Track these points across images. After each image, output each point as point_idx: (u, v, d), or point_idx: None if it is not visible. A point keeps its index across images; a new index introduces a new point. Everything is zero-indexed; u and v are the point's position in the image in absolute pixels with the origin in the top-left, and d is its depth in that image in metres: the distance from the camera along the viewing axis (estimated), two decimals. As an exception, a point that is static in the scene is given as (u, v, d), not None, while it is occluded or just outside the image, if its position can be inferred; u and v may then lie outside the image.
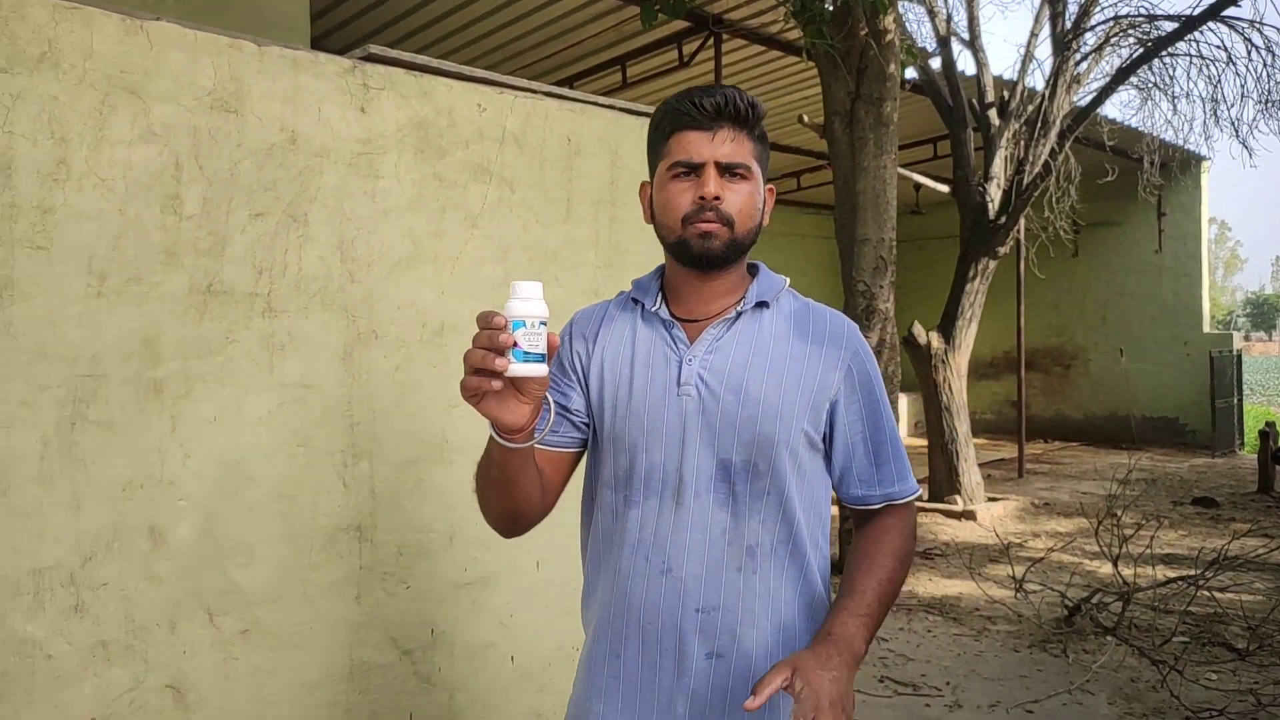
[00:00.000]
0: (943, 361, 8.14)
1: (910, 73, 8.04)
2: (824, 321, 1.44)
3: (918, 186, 9.51)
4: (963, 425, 8.20)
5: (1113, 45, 8.19)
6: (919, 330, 8.17)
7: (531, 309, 1.17)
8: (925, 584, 6.11)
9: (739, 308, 1.43)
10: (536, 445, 1.41)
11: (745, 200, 1.38)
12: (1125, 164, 10.58)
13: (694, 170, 1.37)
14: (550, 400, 1.43)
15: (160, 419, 1.92)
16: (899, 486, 1.45)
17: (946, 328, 8.24)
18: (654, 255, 2.91)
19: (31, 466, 1.75)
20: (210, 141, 1.97)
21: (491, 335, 1.15)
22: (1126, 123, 9.90)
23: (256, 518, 2.06)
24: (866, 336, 6.14)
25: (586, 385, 1.50)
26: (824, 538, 1.49)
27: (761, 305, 1.44)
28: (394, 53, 2.33)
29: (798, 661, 1.21)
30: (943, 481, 8.28)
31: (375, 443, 2.26)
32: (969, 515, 7.99)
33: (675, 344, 1.43)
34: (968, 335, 8.28)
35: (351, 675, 2.22)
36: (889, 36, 5.68)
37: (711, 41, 7.17)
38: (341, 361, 2.20)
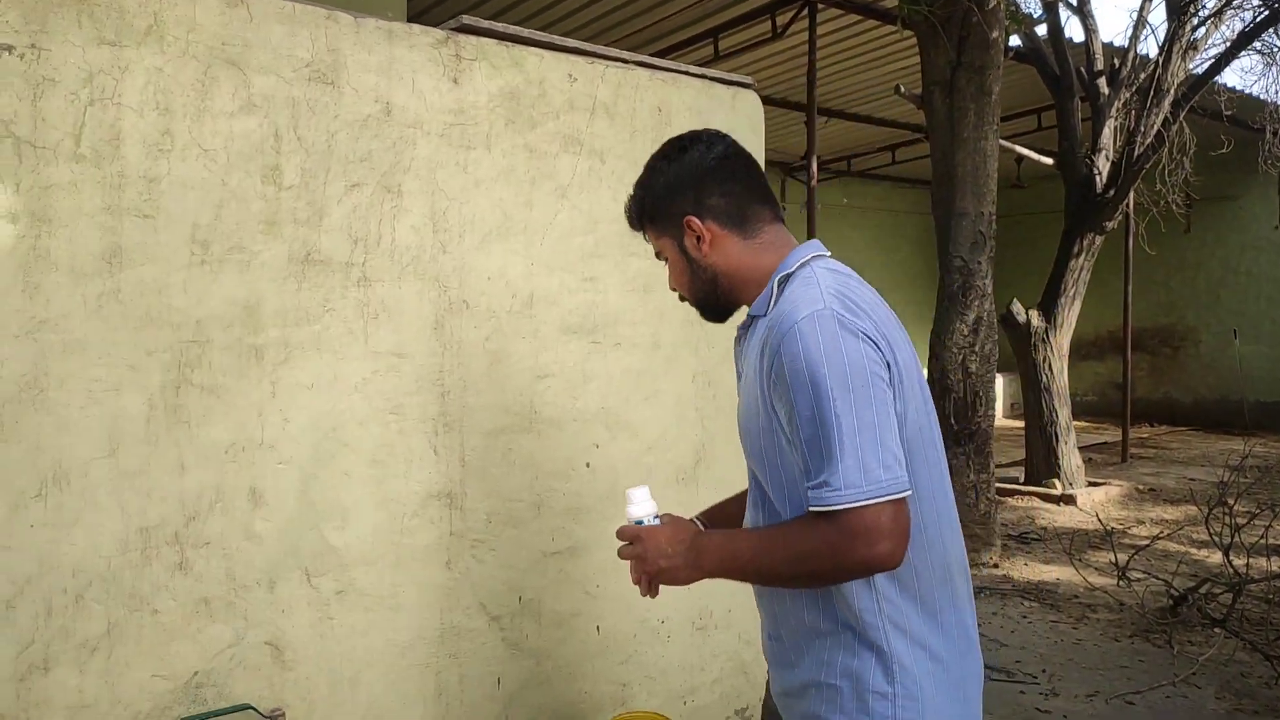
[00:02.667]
0: (1043, 340, 7.86)
1: (1014, 40, 7.73)
2: (771, 329, 1.38)
3: (1020, 159, 9.17)
4: (1063, 407, 7.91)
5: (1234, 8, 7.71)
6: (1018, 308, 7.90)
7: (643, 510, 1.48)
8: (1021, 569, 5.94)
9: (742, 326, 1.54)
10: None
11: (674, 278, 1.57)
12: (1244, 135, 9.99)
13: None
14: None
15: (260, 384, 1.97)
16: (810, 493, 1.29)
17: (1048, 305, 7.94)
18: (744, 227, 2.87)
19: (139, 428, 1.82)
20: (308, 113, 2.01)
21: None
22: (1247, 91, 9.35)
23: (351, 483, 2.10)
24: (963, 314, 5.96)
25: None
26: None
27: (754, 318, 1.49)
28: (486, 23, 2.33)
29: (669, 522, 1.48)
30: (1040, 465, 8.02)
31: (465, 412, 2.29)
32: (1068, 500, 7.73)
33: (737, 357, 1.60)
34: (1070, 313, 7.97)
35: (442, 638, 2.26)
36: (993, 2, 5.46)
37: (806, 11, 7.02)
38: (433, 331, 2.22)
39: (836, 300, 1.33)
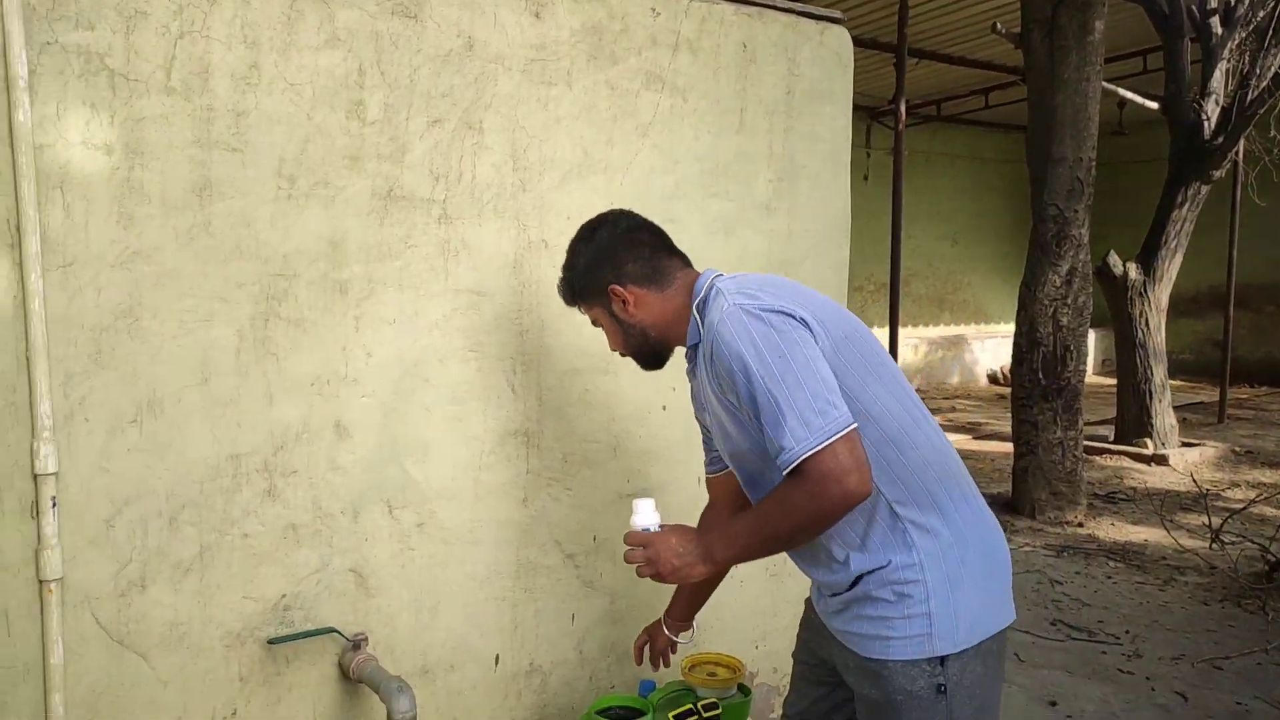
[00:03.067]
0: (1140, 294, 7.54)
1: (1121, -24, 7.31)
2: (708, 344, 1.59)
3: (1122, 104, 8.72)
4: (1159, 364, 7.61)
5: (1369, -63, 7.14)
6: (1115, 260, 7.58)
7: (649, 519, 1.64)
8: (1107, 529, 5.78)
9: (690, 365, 1.76)
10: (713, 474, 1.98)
11: (610, 340, 1.81)
12: (1373, 77, 9.32)
13: None
14: None
15: (345, 319, 2.00)
16: (777, 461, 1.46)
17: (1147, 258, 7.60)
18: (829, 171, 2.79)
19: (229, 358, 1.87)
20: (391, 47, 2.00)
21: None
22: (1378, 29, 8.68)
23: (432, 418, 2.13)
24: (1055, 265, 5.74)
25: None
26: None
27: (694, 347, 1.69)
28: (569, -45, 2.29)
29: (674, 527, 1.61)
30: (1132, 423, 7.75)
31: (543, 351, 2.29)
32: (1160, 460, 7.47)
33: (693, 368, 1.78)
34: (1170, 267, 7.61)
35: (518, 573, 2.30)
36: (1100, -66, 5.16)
37: (898, -54, 6.74)
38: (512, 269, 2.22)
39: (737, 296, 1.56)
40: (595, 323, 1.81)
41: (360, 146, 1.98)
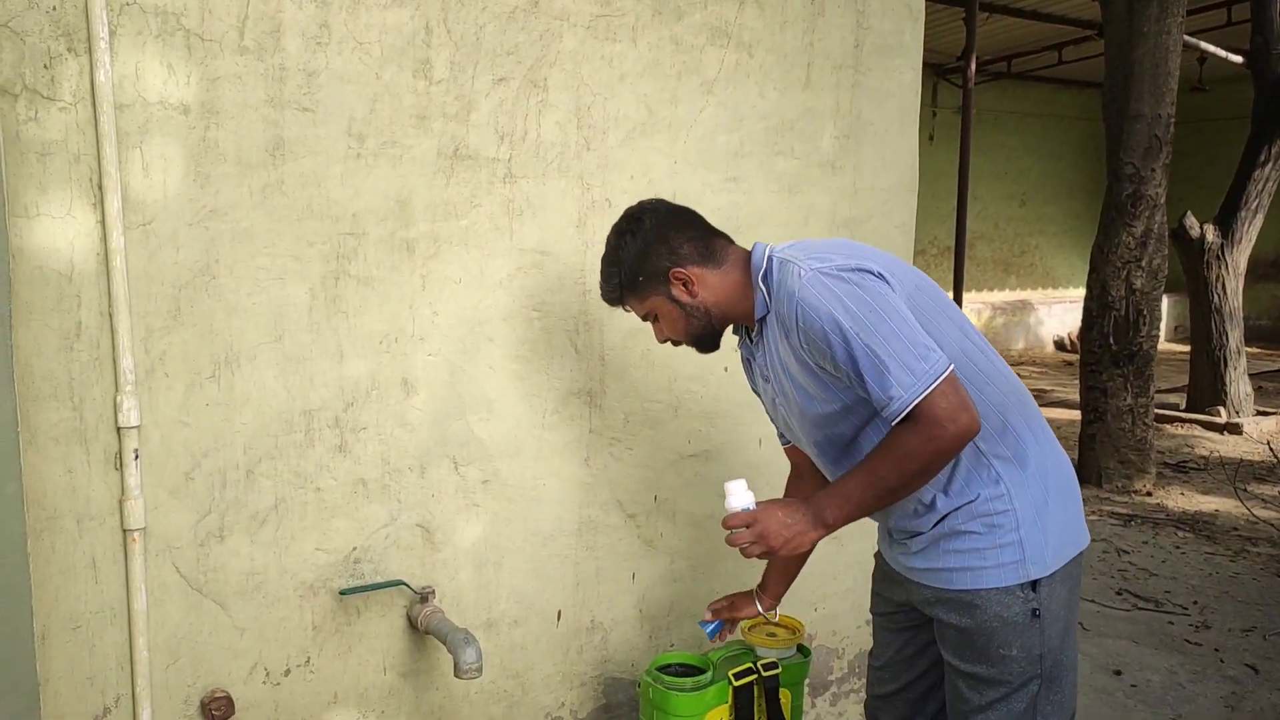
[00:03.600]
0: (1217, 258, 7.28)
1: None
2: (781, 312, 1.63)
3: (1203, 58, 8.38)
4: (1235, 329, 7.37)
5: None
6: (1192, 222, 7.32)
7: (744, 499, 1.67)
8: (1176, 498, 5.65)
9: (753, 335, 1.78)
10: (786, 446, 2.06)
11: (669, 329, 1.79)
12: None
13: None
14: None
15: (412, 277, 2.02)
16: (884, 413, 1.52)
17: (1225, 219, 7.33)
18: (896, 128, 2.73)
19: (302, 316, 1.91)
20: (457, 5, 2.00)
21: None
22: None
23: (497, 376, 2.16)
24: (1129, 226, 5.57)
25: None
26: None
27: (761, 320, 1.71)
28: (634, -91, 2.25)
29: (773, 502, 1.65)
30: (1205, 390, 7.54)
31: (605, 311, 2.29)
32: (1233, 429, 7.26)
33: (750, 342, 1.83)
34: (1251, 229, 7.33)
35: (580, 531, 2.33)
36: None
37: (971, -104, 6.52)
38: (576, 229, 2.22)
39: (810, 261, 1.59)
40: (648, 317, 1.80)
41: (427, 105, 1.99)
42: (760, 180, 2.47)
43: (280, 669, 1.98)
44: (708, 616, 2.13)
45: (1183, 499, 5.63)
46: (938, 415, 1.47)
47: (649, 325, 2.34)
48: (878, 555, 1.95)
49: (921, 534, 1.69)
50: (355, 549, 2.03)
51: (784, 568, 2.09)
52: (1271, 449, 6.29)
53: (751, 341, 1.81)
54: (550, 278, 2.21)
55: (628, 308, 1.82)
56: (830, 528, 1.59)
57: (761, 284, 1.68)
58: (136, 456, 1.76)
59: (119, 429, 1.74)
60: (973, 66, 6.50)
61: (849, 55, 2.56)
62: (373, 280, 1.97)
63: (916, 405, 1.48)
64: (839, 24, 2.53)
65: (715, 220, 2.39)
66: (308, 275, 1.90)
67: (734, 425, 2.54)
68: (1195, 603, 4.04)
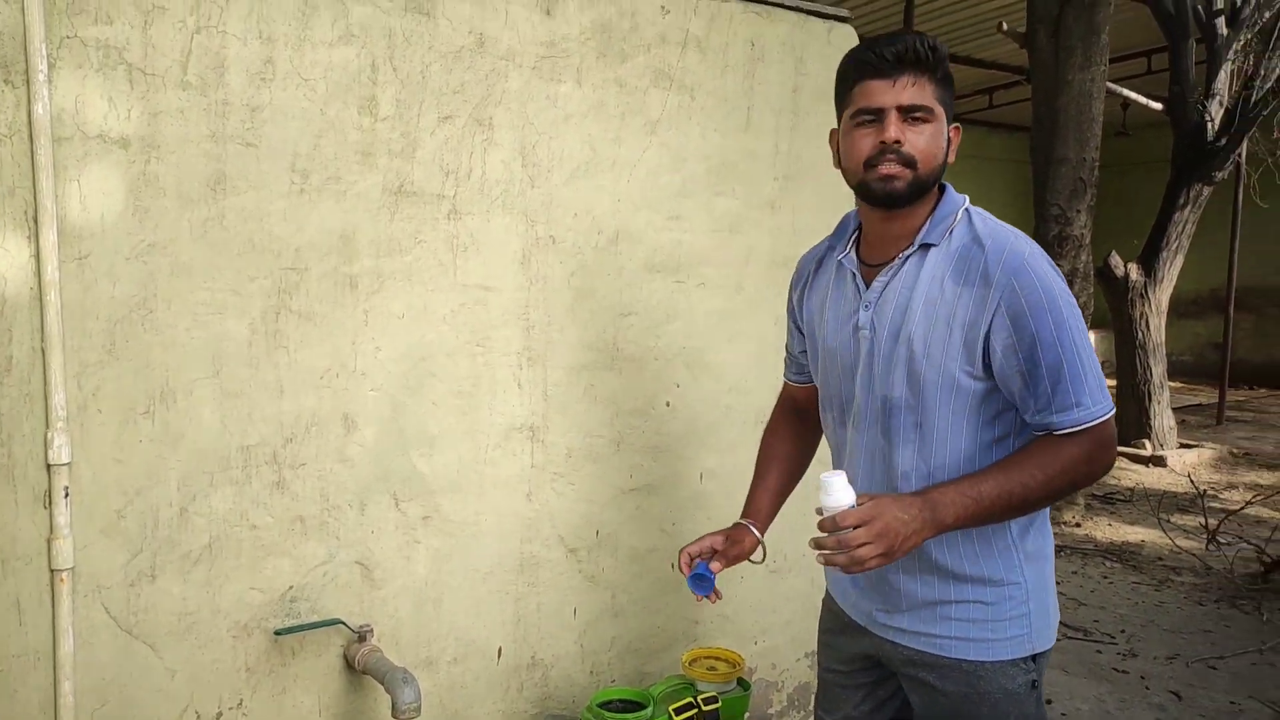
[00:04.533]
0: (1141, 295, 7.56)
1: (1127, -23, 7.32)
2: (980, 261, 1.45)
3: (1126, 104, 8.73)
4: (1159, 364, 7.64)
5: (1375, -58, 7.15)
6: (1116, 261, 7.60)
7: (847, 497, 1.38)
8: (1104, 529, 5.81)
9: (906, 252, 1.53)
10: (796, 383, 1.91)
11: (928, 141, 1.47)
12: (1376, 81, 9.32)
13: (877, 116, 1.47)
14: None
15: (355, 313, 2.02)
16: (1058, 417, 1.43)
17: (1148, 259, 7.62)
18: (834, 171, 2.80)
19: (241, 351, 1.89)
20: (404, 44, 2.02)
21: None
22: (1383, 33, 8.68)
23: (439, 411, 2.15)
24: (1058, 264, 5.76)
25: (802, 329, 1.79)
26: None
27: (926, 247, 1.52)
28: (580, -47, 2.30)
29: (880, 495, 1.41)
30: (1131, 424, 7.78)
31: (549, 347, 2.31)
32: (1158, 461, 7.50)
33: (858, 290, 1.60)
34: (1172, 268, 7.64)
35: (521, 567, 2.32)
36: (1107, -65, 5.17)
37: (905, -55, 6.75)
38: (520, 265, 2.24)
39: (1031, 241, 1.47)
40: (916, 114, 1.45)
41: (372, 142, 2.00)
42: (702, 219, 2.52)
43: (212, 712, 1.94)
44: (689, 568, 1.75)
45: (1110, 530, 5.79)
46: (1109, 438, 1.43)
47: (594, 359, 2.38)
48: (829, 601, 1.81)
49: (914, 593, 1.57)
50: (291, 588, 2.00)
51: (780, 486, 1.87)
52: (1192, 481, 6.50)
53: (862, 260, 1.61)
54: (494, 313, 2.22)
55: (917, 83, 1.45)
56: (944, 529, 1.41)
57: (964, 214, 1.51)
58: (66, 494, 1.72)
59: (49, 466, 1.71)
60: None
61: (788, 100, 2.63)
62: (315, 315, 1.96)
63: (1101, 422, 1.42)
64: (778, 70, 2.60)
65: (658, 258, 2.45)
66: (248, 310, 1.89)
67: (676, 460, 2.56)
68: (1122, 631, 4.15)
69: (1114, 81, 7.63)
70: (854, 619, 1.70)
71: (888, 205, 1.50)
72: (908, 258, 1.53)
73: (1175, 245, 7.58)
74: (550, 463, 2.35)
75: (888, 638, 1.63)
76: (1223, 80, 7.47)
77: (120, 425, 1.78)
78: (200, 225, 1.82)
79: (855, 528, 1.34)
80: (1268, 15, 7.31)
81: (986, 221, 1.51)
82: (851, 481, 1.41)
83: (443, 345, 2.14)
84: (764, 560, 1.83)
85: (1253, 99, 7.09)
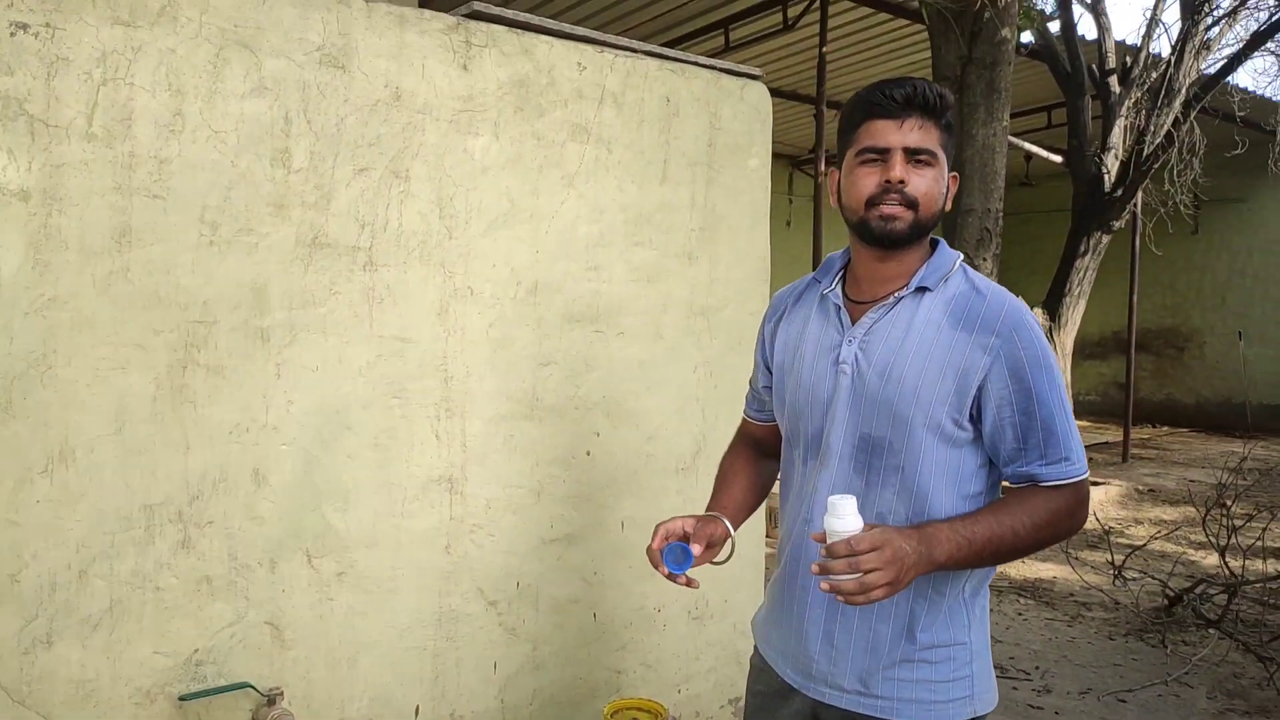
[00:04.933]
0: (1047, 339, 7.85)
1: (1026, 37, 7.70)
2: (981, 310, 1.47)
3: (1029, 156, 9.15)
4: (1065, 406, 7.91)
5: (1249, 9, 7.68)
6: (1023, 306, 7.89)
7: (855, 523, 1.32)
8: (1017, 566, 5.96)
9: (899, 293, 1.52)
10: (755, 421, 1.83)
11: (930, 185, 1.47)
12: (1256, 136, 9.95)
13: (881, 156, 1.47)
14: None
15: (266, 366, 1.98)
16: (1045, 469, 1.45)
17: (1053, 304, 7.94)
18: (748, 222, 2.88)
19: (145, 406, 1.84)
20: (318, 96, 2.01)
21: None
22: (1259, 92, 9.31)
23: (354, 465, 2.12)
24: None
25: (770, 363, 1.73)
26: None
27: (922, 290, 1.51)
28: (497, 10, 2.34)
29: (883, 525, 1.39)
30: (1041, 463, 8.02)
31: (468, 398, 2.30)
32: (1067, 498, 7.73)
33: (841, 326, 1.57)
34: (1075, 313, 7.96)
35: (440, 622, 2.28)
36: (1005, 0, 5.45)
37: (817, 4, 6.99)
38: (437, 317, 2.24)
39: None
40: (920, 157, 1.47)
41: (285, 194, 1.98)
42: (620, 269, 2.55)
43: (111, 784, 1.85)
44: (662, 545, 1.61)
45: (1023, 566, 5.94)
46: (1088, 496, 1.47)
47: (514, 409, 2.37)
48: (759, 660, 1.73)
49: (861, 650, 1.52)
50: (197, 650, 1.94)
51: (743, 500, 1.77)
52: (1098, 519, 6.73)
53: (848, 299, 1.59)
54: (411, 365, 2.21)
55: (924, 127, 1.46)
56: (935, 567, 1.38)
57: (960, 266, 1.53)
58: (-46, 559, 1.64)
59: (-65, 530, 1.63)
60: (823, 160, 6.90)
61: (703, 153, 2.70)
62: (224, 369, 1.93)
63: (1082, 479, 1.45)
64: (693, 124, 2.66)
65: (577, 308, 2.47)
66: (153, 364, 1.84)
67: (597, 509, 2.56)
68: (1037, 667, 4.24)
69: (1016, 135, 8.01)
70: (788, 679, 1.62)
71: (885, 245, 1.49)
72: (901, 298, 1.51)
73: (1077, 291, 7.91)
74: (469, 514, 2.33)
75: (825, 700, 1.55)
76: (1117, 135, 7.88)
77: (16, 485, 1.71)
78: (104, 278, 1.78)
79: (869, 553, 1.29)
80: (1155, 75, 7.77)
81: (981, 277, 1.54)
82: (815, 515, 1.45)
83: (358, 397, 2.12)
84: (728, 559, 1.69)
85: (1145, 153, 7.49)
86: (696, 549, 1.60)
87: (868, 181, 1.48)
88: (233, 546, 1.96)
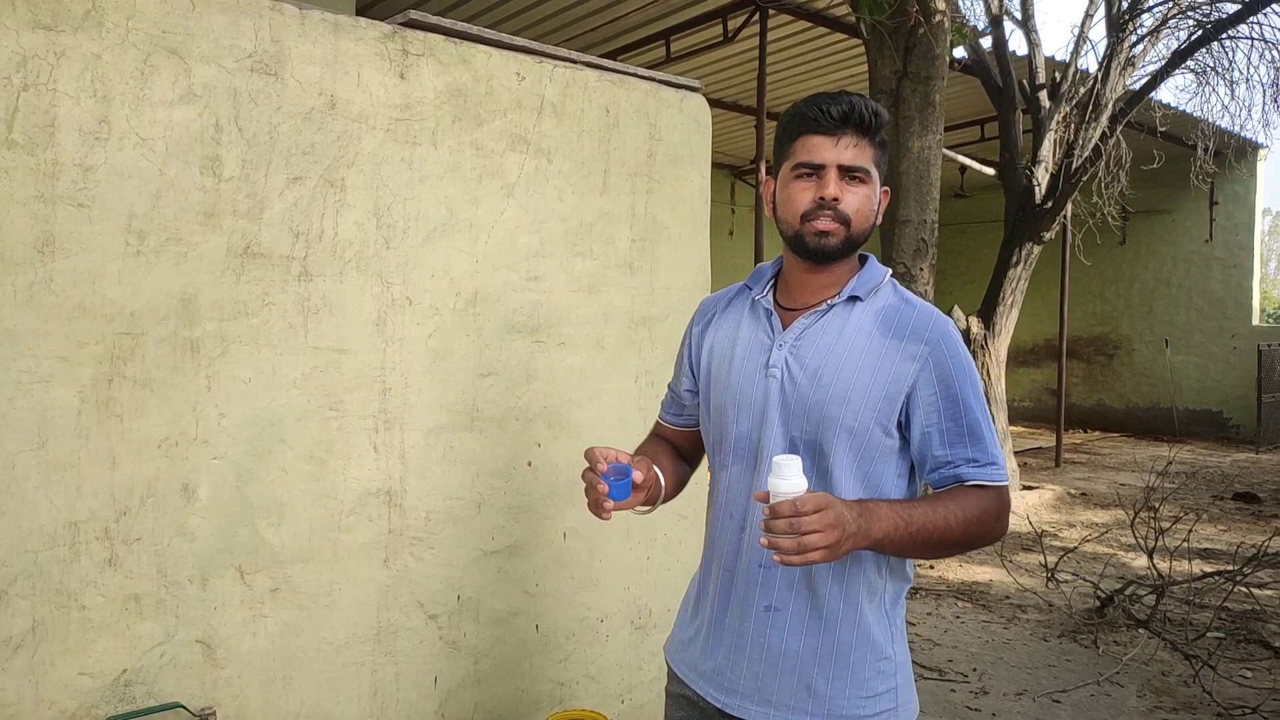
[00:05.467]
0: (982, 347, 8.03)
1: (960, 52, 7.89)
2: (910, 320, 1.52)
3: (963, 169, 9.36)
4: (1001, 412, 8.09)
5: (1170, 27, 7.97)
6: (958, 315, 8.06)
7: (800, 484, 1.33)
8: (955, 570, 6.07)
9: (831, 300, 1.56)
10: (671, 425, 1.84)
11: (862, 202, 1.51)
12: (1178, 150, 10.32)
13: (816, 171, 1.51)
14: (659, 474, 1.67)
15: (196, 378, 1.94)
16: (974, 471, 1.48)
17: (987, 313, 8.12)
18: (689, 231, 2.90)
19: (69, 421, 1.78)
20: (250, 104, 1.98)
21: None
22: (1181, 108, 9.65)
23: (288, 479, 2.08)
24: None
25: (696, 366, 1.74)
26: None
27: (854, 299, 1.56)
28: (434, 19, 2.32)
29: (827, 494, 1.35)
30: (977, 468, 8.19)
31: (406, 409, 2.28)
32: (1003, 503, 7.90)
33: (771, 330, 1.59)
34: (1008, 321, 8.16)
35: (378, 637, 2.25)
36: (939, 16, 5.57)
37: (757, 17, 7.08)
38: (375, 327, 2.21)
39: None
40: (854, 174, 1.50)
41: (215, 203, 1.94)
42: (561, 279, 2.55)
43: (33, 812, 1.79)
44: (603, 468, 1.57)
45: (961, 570, 6.05)
46: (1009, 506, 1.51)
47: (453, 420, 2.35)
48: (676, 684, 1.70)
49: (793, 654, 1.52)
50: (125, 671, 1.88)
51: (673, 468, 1.76)
52: (1031, 522, 6.88)
53: (779, 306, 1.61)
54: (348, 376, 2.18)
55: (858, 145, 1.50)
56: (871, 543, 1.38)
57: (889, 280, 1.57)
58: None
59: None
60: (763, 170, 6.98)
61: (643, 164, 2.71)
62: (151, 382, 1.88)
63: (1005, 486, 1.50)
64: (633, 135, 2.68)
65: (517, 318, 2.46)
66: (77, 377, 1.79)
67: (538, 520, 2.55)
68: (974, 670, 4.32)
69: (951, 148, 8.19)
70: (715, 701, 1.59)
71: (818, 259, 1.53)
72: (833, 306, 1.55)
73: (1010, 300, 8.11)
74: (408, 527, 2.30)
75: (752, 718, 1.54)
76: (1047, 148, 8.10)
77: (-71, 504, 1.65)
78: (26, 289, 1.72)
79: (812, 514, 1.28)
80: (1083, 90, 8.01)
81: (908, 292, 1.59)
82: (749, 520, 1.48)
83: (292, 410, 2.08)
84: (650, 511, 1.69)
85: (1074, 165, 7.71)
86: (638, 476, 1.56)
87: (803, 197, 1.52)
88: (162, 563, 1.91)
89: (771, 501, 1.31)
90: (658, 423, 1.90)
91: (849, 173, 1.50)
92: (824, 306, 1.56)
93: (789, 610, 1.53)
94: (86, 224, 1.78)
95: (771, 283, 1.66)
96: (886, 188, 1.59)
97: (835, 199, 1.48)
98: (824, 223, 1.50)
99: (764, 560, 1.53)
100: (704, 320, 1.75)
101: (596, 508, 1.55)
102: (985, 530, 1.48)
